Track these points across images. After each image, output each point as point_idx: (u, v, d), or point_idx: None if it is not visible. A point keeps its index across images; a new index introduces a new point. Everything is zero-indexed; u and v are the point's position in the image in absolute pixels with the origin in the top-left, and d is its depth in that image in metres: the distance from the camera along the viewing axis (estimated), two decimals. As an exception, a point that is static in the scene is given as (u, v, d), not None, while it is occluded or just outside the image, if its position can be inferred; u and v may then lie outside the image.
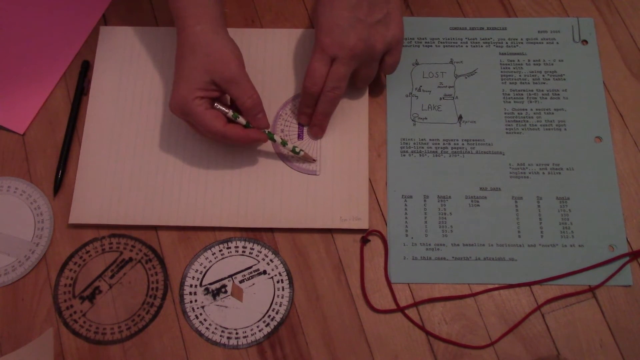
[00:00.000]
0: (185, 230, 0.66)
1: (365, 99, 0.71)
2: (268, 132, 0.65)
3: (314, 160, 0.68)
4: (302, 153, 0.67)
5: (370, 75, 0.68)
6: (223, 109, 0.63)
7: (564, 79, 0.72)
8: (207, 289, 0.64)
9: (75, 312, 0.63)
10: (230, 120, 0.64)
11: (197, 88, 0.61)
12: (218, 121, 0.62)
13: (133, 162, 0.68)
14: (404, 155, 0.69)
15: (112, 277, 0.65)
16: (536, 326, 0.63)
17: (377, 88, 0.71)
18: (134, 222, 0.66)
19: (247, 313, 0.63)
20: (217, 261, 0.65)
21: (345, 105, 0.70)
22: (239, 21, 0.75)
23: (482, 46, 0.73)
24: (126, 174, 0.68)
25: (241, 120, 0.64)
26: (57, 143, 0.69)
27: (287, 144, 0.66)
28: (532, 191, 0.67)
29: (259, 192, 0.67)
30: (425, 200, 0.67)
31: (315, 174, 0.68)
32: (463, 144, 0.69)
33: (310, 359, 0.62)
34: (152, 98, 0.71)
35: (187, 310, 0.63)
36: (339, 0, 0.63)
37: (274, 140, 0.66)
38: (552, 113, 0.70)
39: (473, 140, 0.69)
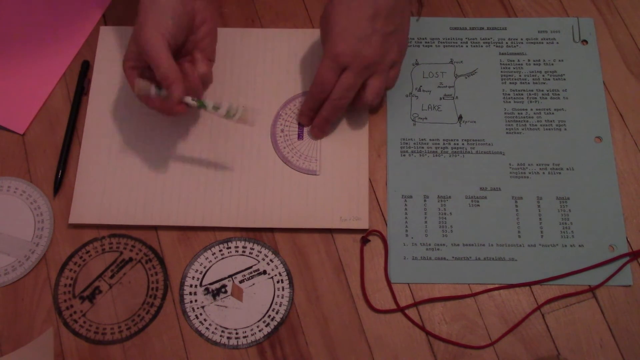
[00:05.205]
0: (185, 230, 0.66)
1: (365, 99, 0.71)
2: (197, 100, 0.62)
3: (252, 123, 0.64)
4: (237, 117, 0.63)
5: (380, 87, 0.64)
6: (144, 82, 0.61)
7: (564, 79, 0.72)
8: (207, 289, 0.64)
9: (75, 312, 0.63)
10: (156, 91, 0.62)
11: (129, 58, 0.62)
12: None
13: (133, 163, 0.68)
14: (404, 155, 0.69)
15: (112, 277, 0.65)
16: (536, 326, 0.63)
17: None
18: (134, 222, 0.66)
19: (247, 313, 0.63)
20: (217, 261, 0.65)
21: (345, 105, 0.70)
22: (239, 21, 0.75)
23: (482, 46, 0.73)
24: (126, 174, 0.68)
25: (164, 92, 0.61)
26: (57, 143, 0.69)
27: (220, 109, 0.62)
28: (532, 191, 0.67)
29: (259, 192, 0.67)
30: (425, 200, 0.67)
31: (315, 174, 0.68)
32: (463, 144, 0.69)
33: (310, 359, 0.62)
34: (152, 98, 0.71)
35: (187, 310, 0.63)
36: (357, 8, 0.61)
37: (205, 108, 0.62)
38: (552, 113, 0.70)
39: (473, 140, 0.69)
